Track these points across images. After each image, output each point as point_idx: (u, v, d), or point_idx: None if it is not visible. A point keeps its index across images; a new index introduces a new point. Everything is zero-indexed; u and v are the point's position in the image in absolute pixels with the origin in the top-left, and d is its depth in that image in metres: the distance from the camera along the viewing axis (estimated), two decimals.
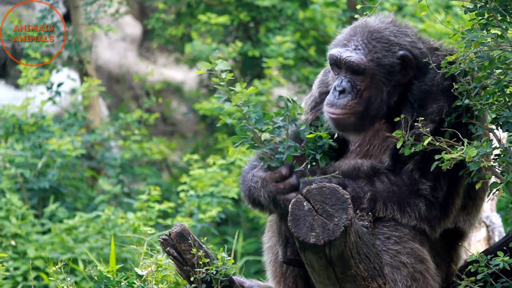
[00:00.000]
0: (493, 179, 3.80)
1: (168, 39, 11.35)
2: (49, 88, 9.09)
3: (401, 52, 3.95)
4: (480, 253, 3.91)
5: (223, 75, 3.71)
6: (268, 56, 10.31)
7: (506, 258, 3.80)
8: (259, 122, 3.74)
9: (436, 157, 3.70)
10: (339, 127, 3.97)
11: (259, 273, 7.01)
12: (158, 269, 4.19)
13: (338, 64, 3.97)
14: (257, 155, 3.94)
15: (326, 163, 3.92)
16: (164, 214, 8.15)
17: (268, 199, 3.77)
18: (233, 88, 3.72)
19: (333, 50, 3.99)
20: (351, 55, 3.94)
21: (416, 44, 4.00)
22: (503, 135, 4.73)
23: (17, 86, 11.47)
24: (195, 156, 8.40)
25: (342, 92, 3.94)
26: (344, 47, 3.97)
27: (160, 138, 11.93)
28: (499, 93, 3.73)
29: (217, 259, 4.00)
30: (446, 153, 3.66)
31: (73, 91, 9.30)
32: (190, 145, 12.37)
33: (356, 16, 4.02)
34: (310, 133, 3.92)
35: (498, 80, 3.71)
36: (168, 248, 3.98)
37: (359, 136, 4.08)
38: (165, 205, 7.71)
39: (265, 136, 3.80)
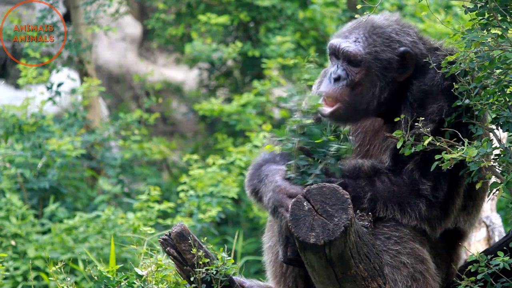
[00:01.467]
0: (493, 179, 3.79)
1: (168, 39, 11.35)
2: (49, 88, 9.09)
3: (402, 49, 3.95)
4: (480, 253, 3.91)
5: (306, 77, 3.78)
6: (268, 56, 10.31)
7: (506, 258, 3.80)
8: (308, 137, 3.77)
9: (436, 157, 3.70)
10: (329, 117, 3.96)
11: (259, 273, 7.01)
12: (158, 269, 4.19)
13: (336, 54, 3.98)
14: (284, 160, 3.92)
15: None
16: (164, 214, 8.16)
17: (270, 204, 3.78)
18: (307, 95, 3.77)
19: (333, 40, 4.01)
20: (350, 45, 3.95)
21: (417, 45, 4.00)
22: (503, 135, 4.73)
23: (17, 86, 11.47)
24: (195, 156, 8.40)
25: (336, 80, 3.95)
26: (345, 38, 3.98)
27: (160, 138, 11.93)
28: (499, 93, 3.73)
29: (217, 259, 4.00)
30: (446, 153, 3.66)
31: (73, 91, 9.30)
32: (190, 145, 12.37)
33: (356, 16, 4.03)
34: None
35: (498, 80, 3.71)
36: (168, 248, 3.98)
37: (349, 126, 4.07)
38: (165, 205, 7.71)
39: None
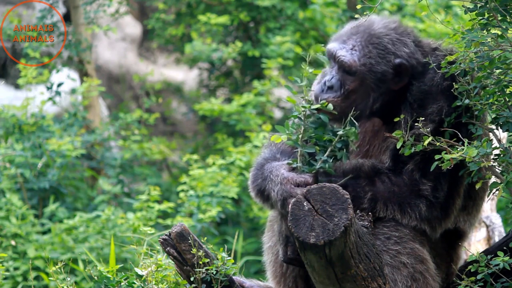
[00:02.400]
0: (493, 179, 3.79)
1: (168, 39, 11.36)
2: (49, 88, 9.09)
3: (397, 61, 3.94)
4: (480, 253, 3.91)
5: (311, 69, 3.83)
6: (268, 56, 10.31)
7: (506, 258, 3.80)
8: (314, 125, 3.75)
9: (436, 157, 3.70)
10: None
11: (259, 273, 7.01)
12: (158, 269, 4.19)
13: (333, 59, 3.98)
14: (285, 156, 3.91)
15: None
16: (164, 214, 8.16)
17: (279, 197, 3.77)
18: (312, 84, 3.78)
19: (331, 45, 4.00)
20: (345, 54, 3.94)
21: (413, 55, 3.98)
22: (503, 135, 4.73)
23: (17, 86, 11.47)
24: (195, 156, 8.40)
25: (330, 88, 3.95)
26: (342, 43, 3.98)
27: (160, 138, 11.93)
28: (499, 93, 3.73)
29: (217, 259, 4.00)
30: (446, 153, 3.66)
31: (73, 91, 9.30)
32: (190, 145, 12.37)
33: (356, 16, 4.01)
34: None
35: (498, 80, 3.71)
36: (168, 248, 3.98)
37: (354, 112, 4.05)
38: (165, 205, 7.71)
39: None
